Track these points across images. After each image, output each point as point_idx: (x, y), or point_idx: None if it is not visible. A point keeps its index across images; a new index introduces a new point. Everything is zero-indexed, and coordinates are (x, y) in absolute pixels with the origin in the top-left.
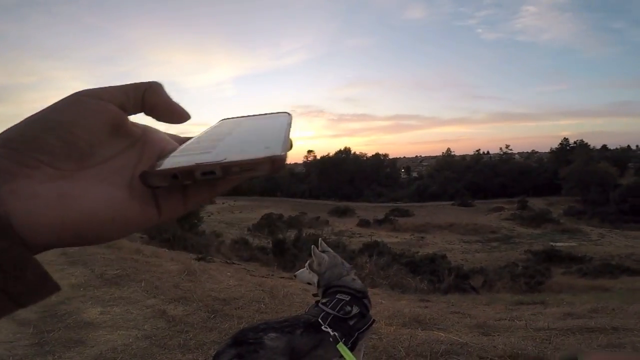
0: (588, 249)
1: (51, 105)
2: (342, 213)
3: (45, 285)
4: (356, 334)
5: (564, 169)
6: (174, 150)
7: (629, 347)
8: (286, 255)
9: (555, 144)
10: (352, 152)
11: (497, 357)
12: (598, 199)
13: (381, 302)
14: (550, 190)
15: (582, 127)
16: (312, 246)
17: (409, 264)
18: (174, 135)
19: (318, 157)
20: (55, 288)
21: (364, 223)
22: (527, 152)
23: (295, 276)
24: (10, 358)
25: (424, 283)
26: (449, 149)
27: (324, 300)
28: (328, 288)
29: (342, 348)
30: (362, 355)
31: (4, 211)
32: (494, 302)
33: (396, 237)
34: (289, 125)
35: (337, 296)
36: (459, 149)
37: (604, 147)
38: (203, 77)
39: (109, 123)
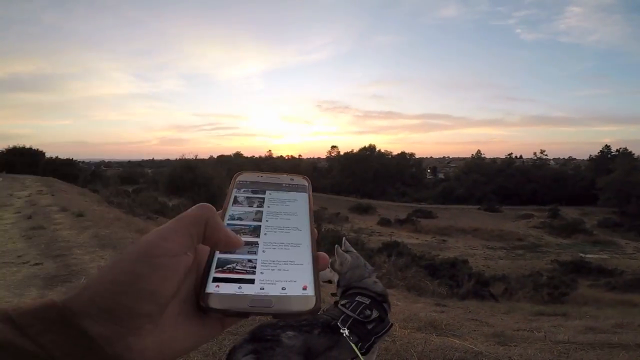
0: (620, 263)
1: (132, 266)
2: (363, 210)
3: None
4: (373, 338)
5: (603, 178)
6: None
7: None
8: None
9: (594, 151)
10: (377, 149)
11: None
12: (638, 212)
13: (397, 304)
14: (586, 200)
15: (625, 135)
16: (336, 246)
17: (429, 267)
18: None
19: (342, 153)
20: None
21: (384, 222)
22: (564, 158)
23: None
24: None
25: (442, 287)
26: (479, 151)
27: (343, 302)
28: (348, 289)
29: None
30: (374, 358)
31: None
32: (513, 311)
33: (417, 238)
34: (311, 209)
35: (357, 298)
36: (489, 152)
37: None
38: (233, 71)
39: (185, 272)
